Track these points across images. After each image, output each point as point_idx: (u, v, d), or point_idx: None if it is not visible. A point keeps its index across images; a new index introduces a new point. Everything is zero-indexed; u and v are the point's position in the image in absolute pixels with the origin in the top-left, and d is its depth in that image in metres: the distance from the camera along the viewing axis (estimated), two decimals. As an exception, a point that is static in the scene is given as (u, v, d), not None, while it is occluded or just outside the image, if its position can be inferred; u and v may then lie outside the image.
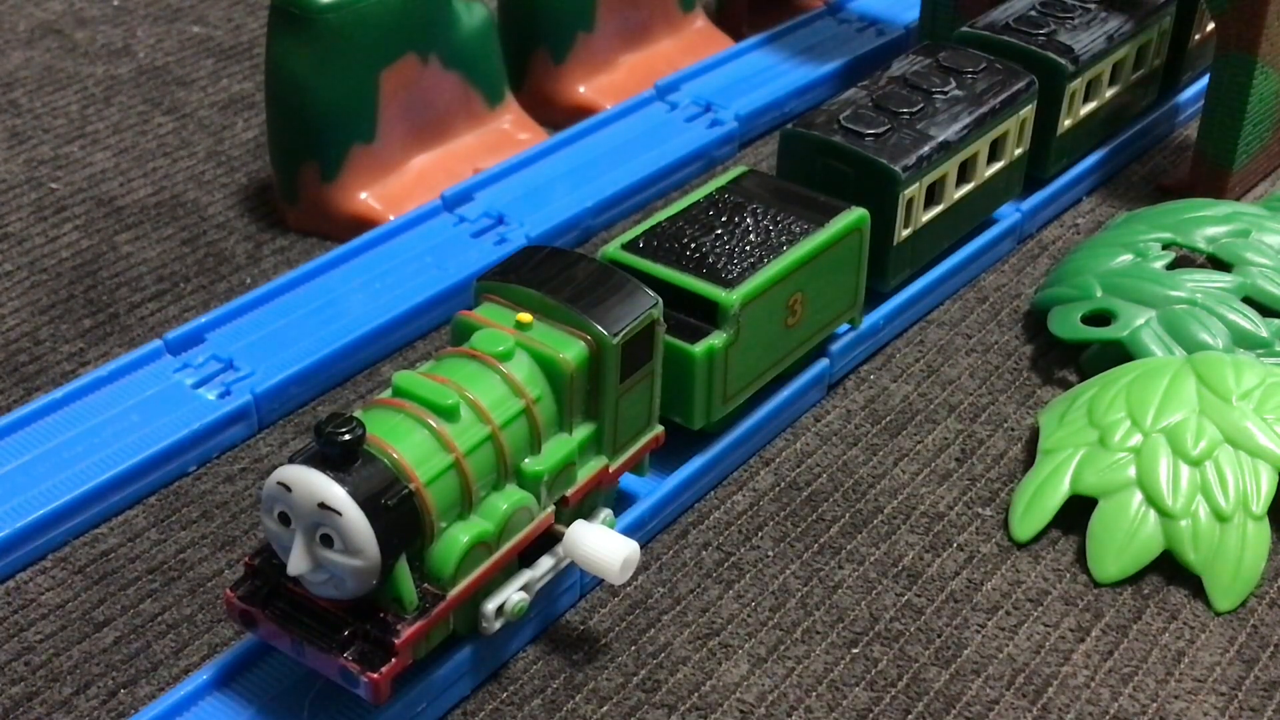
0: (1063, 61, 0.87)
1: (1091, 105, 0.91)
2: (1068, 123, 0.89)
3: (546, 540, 0.62)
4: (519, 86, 0.99)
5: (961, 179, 0.82)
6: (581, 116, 0.97)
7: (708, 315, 0.69)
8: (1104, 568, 0.68)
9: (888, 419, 0.77)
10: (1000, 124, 0.83)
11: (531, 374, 0.61)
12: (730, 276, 0.69)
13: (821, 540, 0.70)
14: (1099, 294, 0.80)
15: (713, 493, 0.72)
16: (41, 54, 1.06)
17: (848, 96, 0.82)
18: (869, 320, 0.79)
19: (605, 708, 0.62)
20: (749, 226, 0.72)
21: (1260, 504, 0.69)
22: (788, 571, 0.68)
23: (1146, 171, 0.97)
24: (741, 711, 0.62)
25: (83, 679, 0.63)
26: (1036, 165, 0.89)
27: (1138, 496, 0.69)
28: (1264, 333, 0.77)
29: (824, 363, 0.77)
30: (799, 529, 0.70)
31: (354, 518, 0.54)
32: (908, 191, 0.78)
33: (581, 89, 1.00)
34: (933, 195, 0.80)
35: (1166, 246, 0.83)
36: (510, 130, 0.95)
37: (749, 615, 0.66)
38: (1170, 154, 0.99)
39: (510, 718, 0.62)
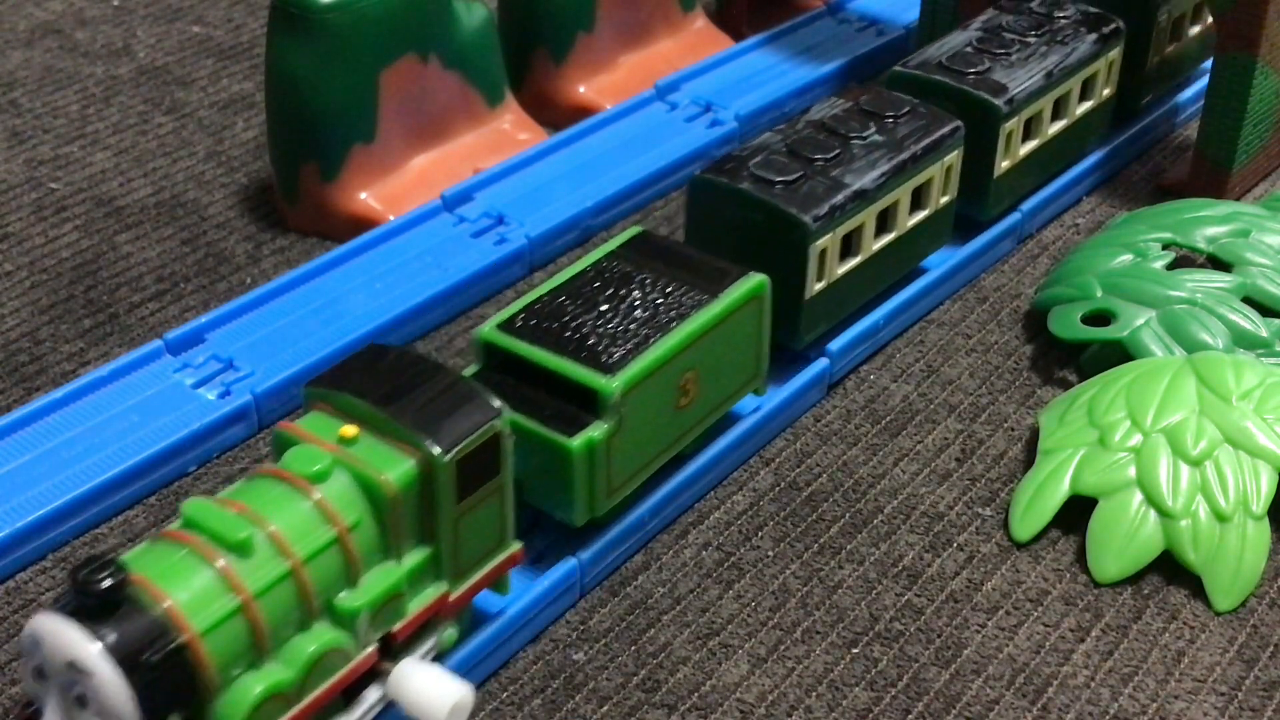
0: (996, 102, 0.82)
1: (1032, 144, 0.86)
2: (1005, 164, 0.85)
3: (373, 675, 0.57)
4: (519, 86, 0.99)
5: (881, 229, 0.78)
6: (581, 116, 0.97)
7: (587, 404, 0.63)
8: (1104, 568, 0.68)
9: (888, 419, 0.77)
10: (923, 171, 0.78)
11: (348, 497, 0.55)
12: (612, 360, 0.64)
13: (821, 540, 0.70)
14: (1099, 294, 0.80)
15: (713, 493, 0.72)
16: (41, 54, 1.06)
17: (761, 141, 0.77)
18: (869, 320, 0.79)
19: (605, 708, 0.62)
20: (636, 300, 0.67)
21: (1260, 504, 0.69)
22: (788, 571, 0.68)
23: (1146, 171, 0.97)
24: (741, 711, 0.62)
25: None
26: (975, 208, 0.85)
27: (1138, 496, 0.69)
28: (1264, 333, 0.77)
29: (824, 363, 0.77)
30: (799, 529, 0.70)
31: (107, 679, 0.48)
32: (819, 243, 0.73)
33: (581, 89, 1.00)
34: (849, 246, 0.76)
35: (1166, 246, 0.83)
36: (510, 130, 0.95)
37: (749, 615, 0.66)
38: (1170, 154, 0.99)
39: (510, 718, 0.62)
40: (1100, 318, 0.80)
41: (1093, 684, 0.64)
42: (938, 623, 0.66)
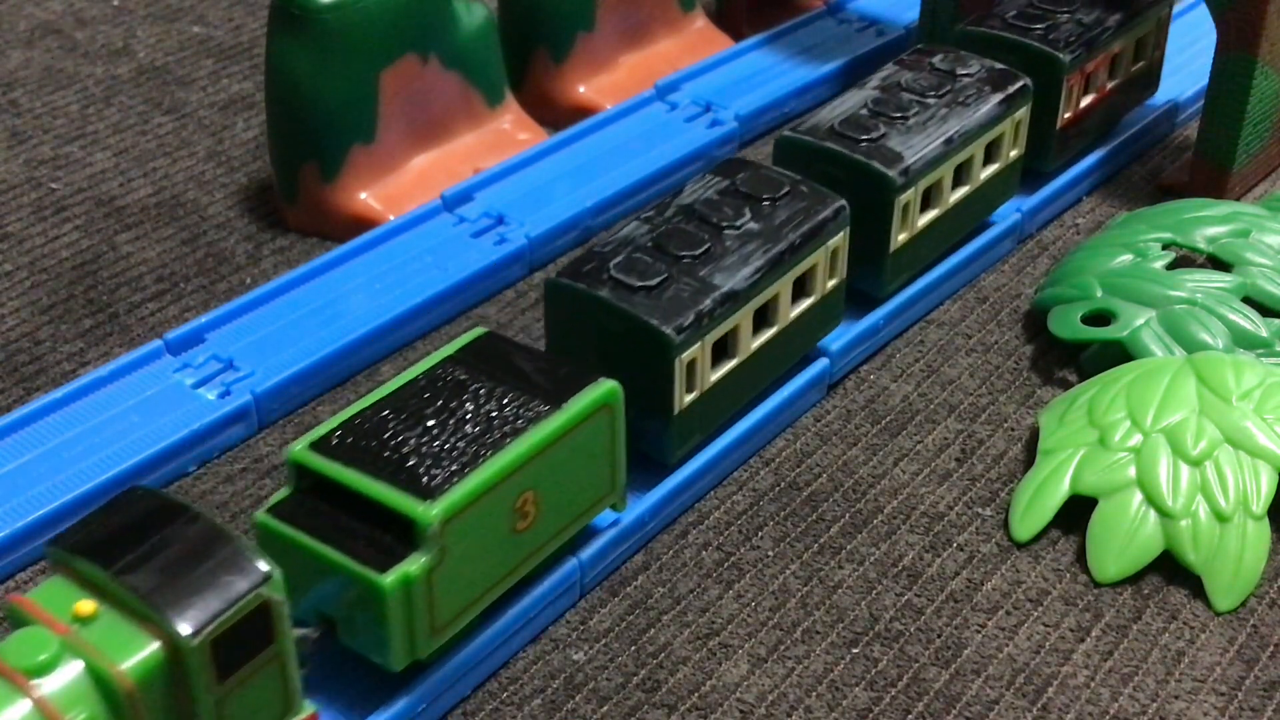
0: (890, 173, 0.76)
1: (932, 214, 0.80)
2: (903, 237, 0.79)
3: None
4: (519, 86, 0.99)
5: (761, 325, 0.72)
6: (581, 116, 0.97)
7: (404, 534, 0.56)
8: (1104, 568, 0.68)
9: (888, 419, 0.77)
10: (805, 259, 0.72)
11: (77, 692, 0.47)
12: (433, 483, 0.57)
13: (821, 540, 0.70)
14: (1099, 294, 0.80)
15: (713, 493, 0.72)
16: (41, 54, 1.06)
17: (626, 233, 0.70)
18: (869, 320, 0.79)
19: (605, 708, 0.62)
20: (468, 413, 0.60)
21: (1260, 504, 0.69)
22: (788, 571, 0.68)
23: (1146, 171, 0.97)
24: (741, 711, 0.62)
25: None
26: (870, 284, 0.80)
27: (1138, 496, 0.69)
28: (1264, 333, 0.77)
29: (824, 362, 0.77)
30: (799, 529, 0.70)
31: None
32: (686, 354, 0.67)
33: (581, 89, 1.00)
34: (723, 350, 0.70)
35: (1166, 246, 0.83)
36: (510, 130, 0.95)
37: (749, 615, 0.66)
38: (1170, 154, 0.99)
39: (510, 718, 0.62)
40: (1100, 318, 0.80)
41: (1093, 684, 0.64)
42: (938, 623, 0.66)
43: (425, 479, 0.57)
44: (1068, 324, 0.79)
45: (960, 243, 0.85)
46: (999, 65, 0.84)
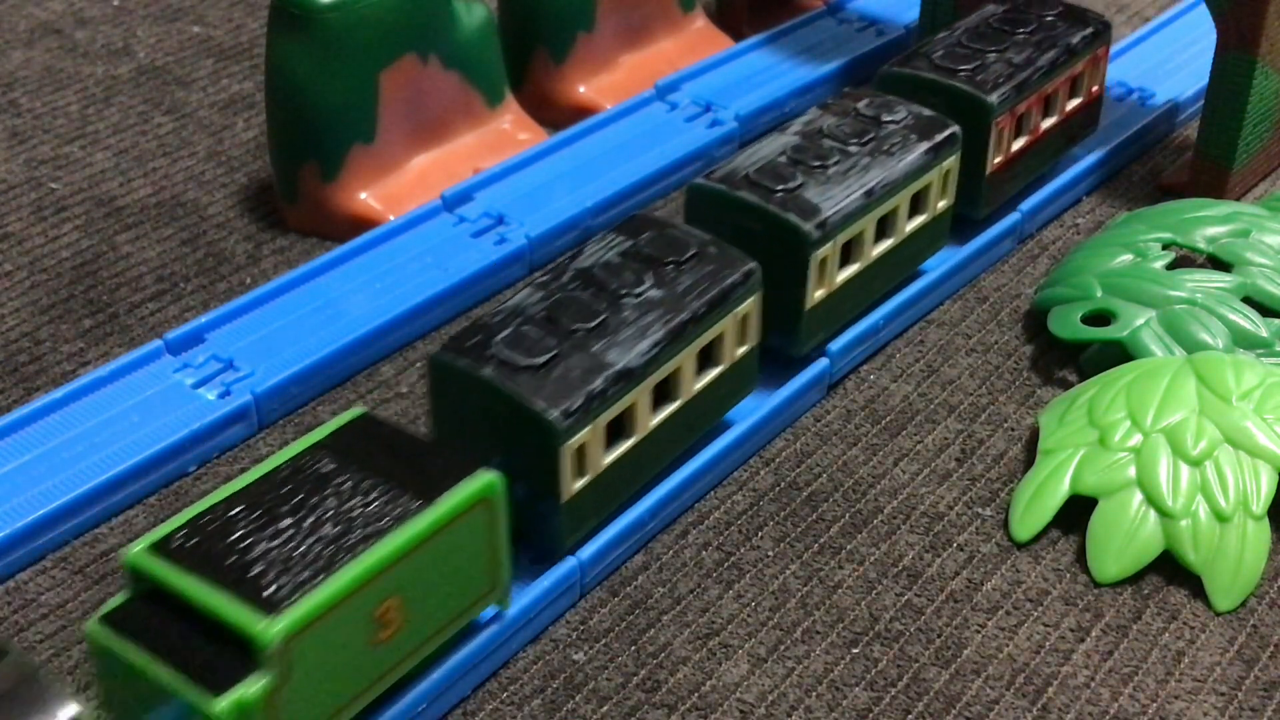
0: (805, 227, 0.72)
1: (853, 269, 0.76)
2: (820, 294, 0.74)
3: None
4: (519, 86, 0.99)
5: (661, 400, 0.67)
6: (581, 116, 0.97)
7: (244, 652, 0.51)
8: (1104, 568, 0.68)
9: (888, 419, 0.77)
10: (710, 327, 0.68)
11: None
12: (278, 595, 0.51)
13: (821, 540, 0.70)
14: (1099, 294, 0.80)
15: (713, 493, 0.72)
16: (41, 54, 1.06)
17: (517, 302, 0.66)
18: (869, 320, 0.79)
19: (605, 708, 0.62)
20: (328, 511, 0.54)
21: (1260, 504, 0.69)
22: (788, 571, 0.68)
23: (1146, 171, 0.97)
24: (741, 711, 0.62)
25: (83, 679, 0.63)
26: (786, 343, 0.76)
27: (1138, 496, 0.69)
28: (1264, 333, 0.77)
29: (824, 362, 0.77)
30: (799, 529, 0.70)
31: None
32: (575, 440, 0.62)
33: (581, 89, 1.00)
34: (618, 431, 0.65)
35: (1166, 246, 0.83)
36: (510, 130, 0.95)
37: (749, 615, 0.66)
38: (1170, 154, 0.99)
39: (510, 718, 0.62)
40: (1100, 318, 0.80)
41: (1093, 684, 0.64)
42: (938, 623, 0.66)
43: (269, 590, 0.52)
44: (1068, 324, 0.79)
45: (888, 295, 0.81)
46: (926, 111, 0.80)
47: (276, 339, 0.78)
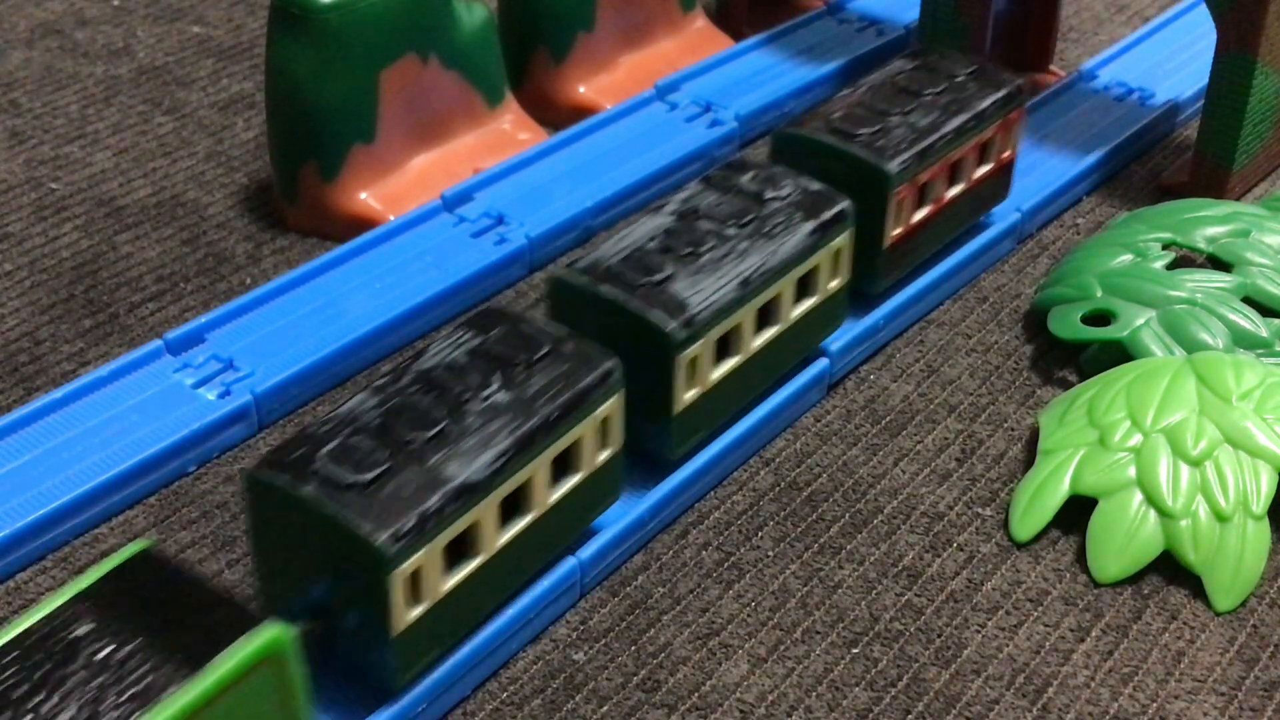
0: (668, 328, 0.65)
1: (731, 363, 0.70)
2: (691, 394, 0.68)
3: None
4: (519, 86, 0.99)
5: (511, 513, 0.61)
6: (581, 116, 0.97)
7: None
8: (1104, 568, 0.68)
9: (888, 419, 0.77)
10: (566, 433, 0.61)
11: None
12: None
13: (821, 540, 0.70)
14: (1099, 294, 0.80)
15: (713, 493, 0.72)
16: (41, 54, 1.06)
17: (350, 408, 0.59)
18: (869, 320, 0.79)
19: (605, 708, 0.62)
20: (73, 683, 0.47)
21: (1260, 504, 0.69)
22: (788, 571, 0.68)
23: (1146, 171, 0.97)
24: (741, 711, 0.62)
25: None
26: (658, 447, 0.69)
27: (1138, 496, 0.69)
28: (1264, 333, 0.77)
29: (824, 362, 0.77)
30: (799, 529, 0.70)
31: None
32: (406, 566, 0.56)
33: (581, 89, 1.00)
34: (460, 551, 0.59)
35: (1166, 246, 0.83)
36: (510, 130, 0.95)
37: (749, 615, 0.66)
38: (1170, 154, 0.99)
39: (510, 718, 0.62)
40: (1100, 318, 0.80)
41: (1093, 684, 0.64)
42: (938, 623, 0.66)
43: None
44: (1068, 324, 0.79)
45: (783, 379, 0.75)
46: (815, 185, 0.73)
47: (276, 339, 0.78)
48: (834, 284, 0.75)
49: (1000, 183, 0.87)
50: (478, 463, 0.58)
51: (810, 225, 0.72)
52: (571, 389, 0.61)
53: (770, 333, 0.72)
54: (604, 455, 0.64)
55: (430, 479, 0.57)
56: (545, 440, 0.60)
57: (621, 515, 0.67)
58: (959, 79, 0.83)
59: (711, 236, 0.70)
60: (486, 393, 0.60)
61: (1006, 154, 0.86)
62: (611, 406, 0.63)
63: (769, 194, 0.73)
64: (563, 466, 0.63)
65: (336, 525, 0.55)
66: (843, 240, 0.74)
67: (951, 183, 0.82)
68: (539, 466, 0.61)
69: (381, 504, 0.55)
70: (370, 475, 0.56)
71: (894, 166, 0.76)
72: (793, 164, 0.75)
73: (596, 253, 0.69)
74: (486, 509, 0.58)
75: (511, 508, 0.61)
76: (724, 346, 0.70)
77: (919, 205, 0.80)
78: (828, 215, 0.73)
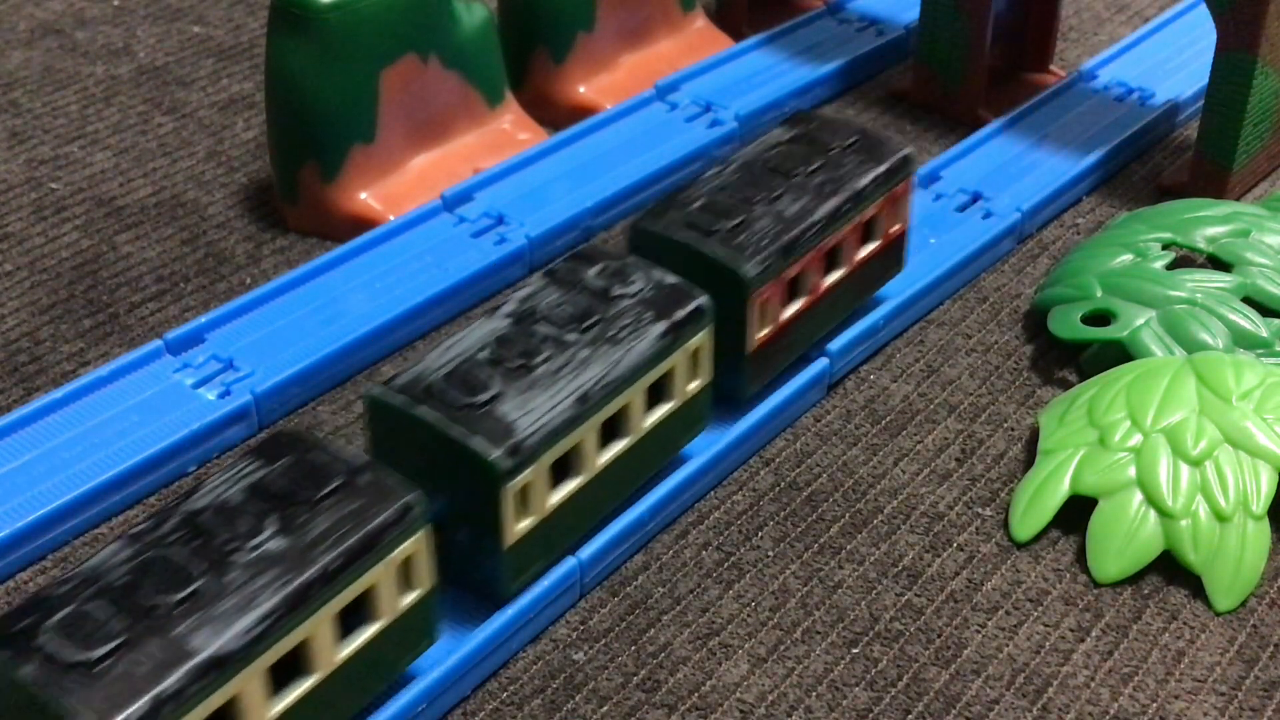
0: (491, 457, 0.59)
1: (572, 485, 0.63)
2: (524, 526, 0.61)
3: None
4: (519, 86, 0.99)
5: (284, 681, 0.53)
6: (581, 116, 0.98)
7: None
8: (1104, 568, 0.68)
9: (888, 419, 0.77)
10: (351, 583, 0.54)
11: None
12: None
13: (821, 540, 0.70)
14: (1099, 294, 0.80)
15: (713, 493, 0.72)
16: (41, 54, 1.06)
17: (95, 565, 0.52)
18: (869, 320, 0.79)
19: (605, 708, 0.62)
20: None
21: (1260, 504, 0.69)
22: (788, 571, 0.68)
23: (1146, 171, 0.97)
24: (741, 711, 0.62)
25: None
26: (489, 584, 0.63)
27: (1138, 496, 0.69)
28: (1264, 333, 0.77)
29: (824, 362, 0.77)
30: (799, 529, 0.70)
31: None
32: None
33: (581, 89, 1.00)
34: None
35: (1166, 246, 0.83)
36: (510, 130, 0.95)
37: (749, 615, 0.66)
38: (1170, 154, 0.99)
39: (510, 718, 0.62)
40: (1100, 318, 0.80)
41: (1093, 684, 0.64)
42: (938, 623, 0.66)
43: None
44: (1068, 324, 0.79)
45: (649, 485, 0.69)
46: (670, 279, 0.67)
47: (276, 339, 0.78)
48: (693, 385, 0.68)
49: (891, 259, 0.79)
50: (233, 629, 0.50)
51: (661, 326, 0.65)
52: (360, 530, 0.54)
53: (619, 446, 0.65)
54: (408, 599, 0.57)
55: (173, 653, 0.49)
56: (325, 593, 0.52)
57: (623, 515, 0.67)
58: (835, 151, 0.76)
59: (549, 344, 0.63)
60: (257, 540, 0.52)
61: (896, 228, 0.79)
62: (415, 545, 0.56)
63: (616, 290, 0.66)
64: (353, 619, 0.55)
65: (51, 713, 0.47)
66: (700, 339, 0.67)
67: (829, 270, 0.75)
68: (319, 626, 0.53)
69: (105, 689, 0.48)
70: (99, 652, 0.48)
71: (752, 268, 0.69)
72: (651, 257, 0.69)
73: (421, 365, 0.62)
74: (247, 681, 0.51)
75: (283, 676, 0.53)
76: (562, 469, 0.63)
77: (789, 301, 0.73)
78: (681, 314, 0.66)
